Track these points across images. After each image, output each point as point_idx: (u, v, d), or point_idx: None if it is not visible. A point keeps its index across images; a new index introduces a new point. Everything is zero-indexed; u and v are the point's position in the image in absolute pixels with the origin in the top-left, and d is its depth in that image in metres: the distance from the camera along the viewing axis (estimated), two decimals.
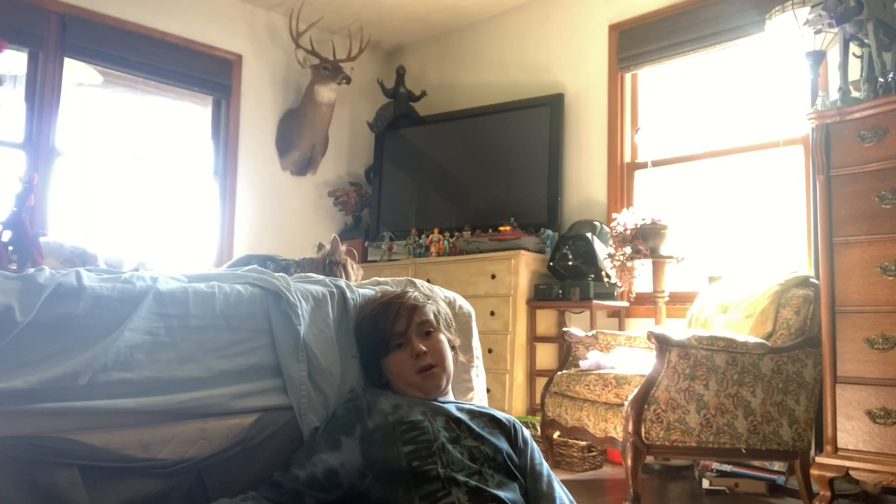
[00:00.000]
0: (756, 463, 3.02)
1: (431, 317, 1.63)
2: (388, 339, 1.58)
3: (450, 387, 1.66)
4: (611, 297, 3.86)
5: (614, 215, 3.75)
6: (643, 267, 3.64)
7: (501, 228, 4.24)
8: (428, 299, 1.68)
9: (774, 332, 2.84)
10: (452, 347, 1.67)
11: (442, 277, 4.13)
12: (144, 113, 4.47)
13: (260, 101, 4.86)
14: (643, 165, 4.05)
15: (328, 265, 2.46)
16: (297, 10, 4.79)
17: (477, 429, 1.50)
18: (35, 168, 3.96)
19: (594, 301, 3.77)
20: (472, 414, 1.55)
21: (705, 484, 3.02)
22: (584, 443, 3.33)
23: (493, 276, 4.00)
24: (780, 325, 2.85)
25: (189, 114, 4.71)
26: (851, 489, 2.79)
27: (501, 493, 1.38)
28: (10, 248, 1.82)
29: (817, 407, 2.73)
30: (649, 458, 3.09)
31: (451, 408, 1.54)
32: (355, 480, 1.41)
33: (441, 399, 1.59)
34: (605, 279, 3.71)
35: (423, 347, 1.57)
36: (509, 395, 3.86)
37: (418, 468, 1.38)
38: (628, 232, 3.55)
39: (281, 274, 1.64)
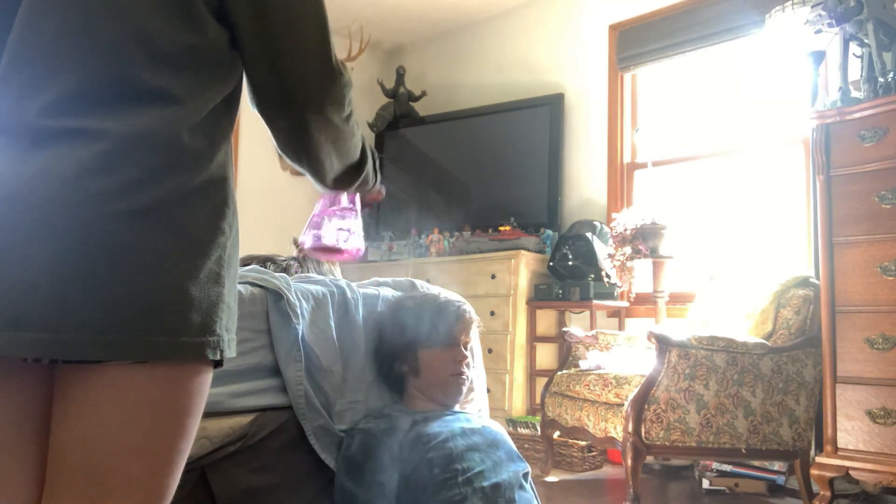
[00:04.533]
0: (756, 463, 3.02)
1: (473, 336, 1.75)
2: (442, 335, 1.63)
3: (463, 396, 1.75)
4: (611, 297, 3.86)
5: (614, 215, 3.76)
6: (643, 267, 3.64)
7: (501, 228, 4.24)
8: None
9: (774, 332, 2.84)
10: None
11: (442, 277, 4.13)
12: None
13: None
14: (643, 165, 4.05)
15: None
16: None
17: (490, 436, 1.58)
18: None
19: (594, 301, 3.77)
20: (485, 425, 1.64)
21: (705, 484, 3.02)
22: (584, 443, 3.34)
23: (493, 276, 4.01)
24: (780, 324, 2.85)
25: None
26: (851, 489, 2.79)
27: (518, 497, 1.46)
28: None
29: (817, 407, 2.73)
30: (649, 458, 3.09)
31: (463, 418, 1.62)
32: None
33: (452, 410, 1.66)
34: (605, 279, 3.71)
35: (468, 356, 1.67)
36: (509, 395, 3.86)
37: (440, 475, 1.44)
38: (628, 232, 3.55)
39: (281, 274, 1.64)
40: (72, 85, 0.79)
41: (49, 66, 0.79)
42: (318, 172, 1.02)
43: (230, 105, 0.91)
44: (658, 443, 2.60)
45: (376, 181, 1.20)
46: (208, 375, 0.86)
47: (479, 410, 1.95)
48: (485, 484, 1.44)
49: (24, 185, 0.76)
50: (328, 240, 1.25)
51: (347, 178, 1.08)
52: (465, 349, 1.68)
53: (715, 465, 3.09)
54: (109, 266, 0.76)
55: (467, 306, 1.74)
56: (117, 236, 0.76)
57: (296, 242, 2.51)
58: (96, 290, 0.75)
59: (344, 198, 1.26)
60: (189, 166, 0.82)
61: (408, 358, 1.64)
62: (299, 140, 0.95)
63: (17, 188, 0.77)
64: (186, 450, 0.85)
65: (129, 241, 0.76)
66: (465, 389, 1.67)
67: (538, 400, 3.51)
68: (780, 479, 2.99)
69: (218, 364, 0.87)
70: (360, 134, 1.05)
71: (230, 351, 0.86)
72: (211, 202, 0.84)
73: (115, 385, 0.78)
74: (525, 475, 1.59)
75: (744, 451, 2.66)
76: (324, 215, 1.25)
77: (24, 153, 0.78)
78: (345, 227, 1.25)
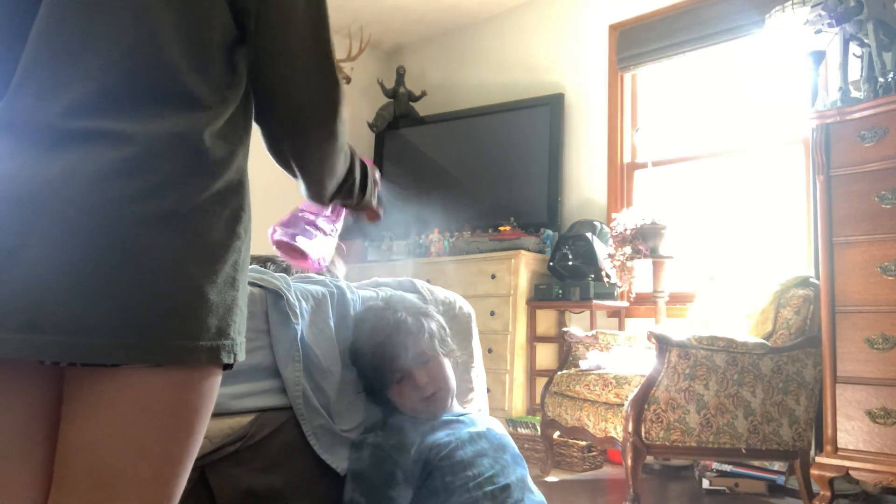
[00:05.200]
0: (756, 463, 3.02)
1: (426, 346, 1.62)
2: (389, 376, 1.61)
3: (454, 399, 1.72)
4: (611, 297, 3.86)
5: (614, 215, 3.76)
6: (643, 267, 3.64)
7: (501, 228, 4.24)
8: (420, 319, 1.66)
9: (774, 332, 2.84)
10: (450, 354, 1.70)
11: (442, 277, 4.13)
12: None
13: None
14: (643, 165, 4.05)
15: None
16: None
17: (497, 440, 1.60)
18: None
19: (594, 301, 3.77)
20: (490, 428, 1.65)
21: (705, 484, 3.02)
22: (584, 443, 3.34)
23: (493, 276, 4.00)
24: (780, 324, 2.85)
25: None
26: (851, 489, 2.79)
27: (526, 499, 1.48)
28: None
29: (817, 407, 2.73)
30: (649, 458, 3.09)
31: (470, 421, 1.63)
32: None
33: (453, 413, 1.66)
34: (605, 279, 3.71)
35: (425, 378, 1.59)
36: (509, 395, 3.86)
37: (451, 483, 1.46)
38: (628, 232, 3.55)
39: (281, 274, 1.64)
40: (95, 86, 0.78)
41: (71, 66, 0.79)
42: (307, 180, 0.98)
43: (246, 108, 0.90)
44: (658, 443, 2.60)
45: (363, 196, 1.14)
46: (219, 378, 0.87)
47: (478, 410, 1.95)
48: (494, 487, 1.47)
49: (45, 186, 0.76)
50: (299, 242, 1.22)
51: (336, 194, 1.05)
52: (426, 365, 1.60)
53: (715, 465, 3.09)
54: (129, 269, 0.75)
55: (402, 322, 1.62)
56: (137, 240, 0.76)
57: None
58: (115, 293, 0.75)
59: (328, 209, 1.23)
60: (210, 171, 0.81)
61: (382, 398, 1.65)
62: (287, 147, 0.92)
63: (37, 189, 0.76)
64: (195, 452, 0.84)
65: (149, 244, 0.76)
66: (447, 401, 1.63)
67: (538, 400, 3.51)
68: (780, 479, 2.99)
69: (228, 367, 0.87)
70: (349, 151, 1.02)
71: (242, 354, 0.86)
72: (229, 207, 0.84)
73: (129, 388, 0.78)
74: None
75: (744, 451, 2.66)
76: (305, 218, 1.22)
77: (44, 154, 0.77)
78: (319, 235, 1.23)
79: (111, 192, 0.75)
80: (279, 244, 1.25)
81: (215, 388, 0.86)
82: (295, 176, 0.98)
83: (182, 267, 0.78)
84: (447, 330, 1.74)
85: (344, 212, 1.25)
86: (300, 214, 1.24)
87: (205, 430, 0.86)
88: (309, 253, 1.23)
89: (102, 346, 0.74)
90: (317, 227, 1.23)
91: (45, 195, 0.75)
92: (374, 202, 1.19)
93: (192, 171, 0.80)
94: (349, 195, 1.09)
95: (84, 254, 0.74)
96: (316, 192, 1.01)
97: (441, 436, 1.54)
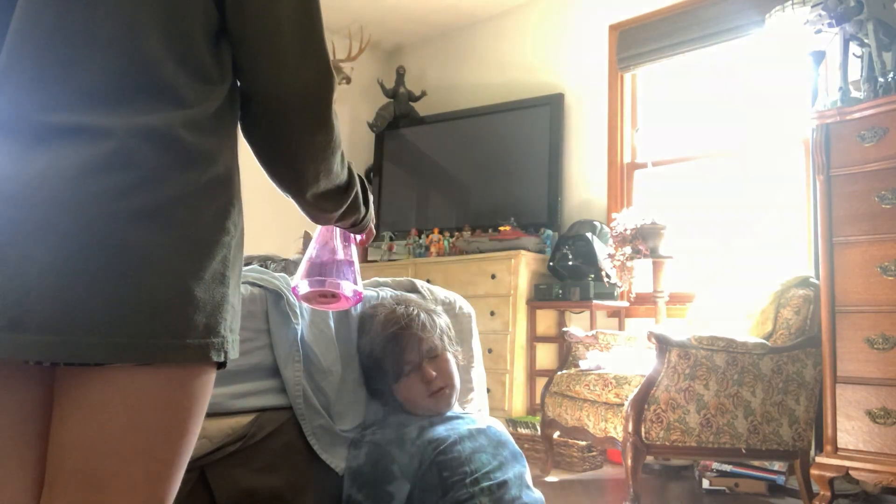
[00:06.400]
0: (756, 463, 3.02)
1: (437, 341, 1.67)
2: (399, 368, 1.61)
3: (456, 399, 1.72)
4: (611, 297, 3.86)
5: (614, 215, 3.76)
6: (643, 267, 3.64)
7: (501, 228, 4.23)
8: (431, 315, 1.70)
9: (774, 332, 2.84)
10: (455, 354, 1.73)
11: (442, 277, 4.13)
12: None
13: None
14: (643, 165, 4.05)
15: None
16: None
17: (496, 437, 1.60)
18: None
19: (594, 301, 3.77)
20: (490, 426, 1.65)
21: (705, 484, 3.02)
22: (584, 443, 3.34)
23: (493, 276, 4.00)
24: (780, 324, 2.85)
25: None
26: (851, 489, 2.79)
27: (524, 495, 1.47)
28: None
29: (817, 407, 2.73)
30: (649, 458, 3.09)
31: (470, 419, 1.63)
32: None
33: (454, 412, 1.66)
34: (605, 279, 3.71)
35: (434, 373, 1.62)
36: (509, 395, 3.86)
37: (449, 478, 1.47)
38: (628, 232, 3.55)
39: (281, 274, 1.64)
40: (74, 80, 0.77)
41: (50, 60, 0.77)
42: (300, 180, 0.94)
43: (233, 100, 0.88)
44: (658, 443, 2.60)
45: (367, 214, 1.09)
46: (211, 377, 0.85)
47: (478, 410, 1.95)
48: (491, 482, 1.47)
49: (27, 184, 0.75)
50: (330, 286, 1.16)
51: (332, 200, 1.00)
52: (431, 363, 1.62)
53: (715, 465, 3.09)
54: (114, 267, 0.74)
55: (415, 318, 1.64)
56: (122, 236, 0.75)
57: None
58: (100, 291, 0.74)
59: (338, 239, 1.17)
60: (195, 165, 0.80)
61: (386, 395, 1.66)
62: (276, 143, 0.89)
63: (19, 187, 0.75)
64: (188, 452, 0.83)
65: (134, 241, 0.75)
66: (452, 399, 1.65)
67: (538, 400, 3.51)
68: (780, 479, 2.99)
69: (221, 365, 0.86)
70: (347, 160, 0.98)
71: (234, 352, 0.85)
72: (216, 201, 0.82)
73: (117, 387, 0.77)
74: None
75: (744, 451, 2.66)
76: (326, 260, 1.16)
77: (27, 151, 0.76)
78: (347, 273, 1.18)
79: (93, 188, 0.74)
80: (310, 297, 1.18)
81: (208, 387, 0.84)
82: (286, 185, 0.93)
83: (167, 263, 0.77)
84: (452, 331, 1.76)
85: (352, 238, 1.20)
86: (326, 260, 1.17)
87: (198, 430, 0.85)
88: (348, 296, 1.18)
89: (88, 345, 0.73)
90: (348, 264, 1.17)
91: (29, 193, 0.75)
92: (373, 220, 1.15)
93: (175, 165, 0.78)
94: (355, 209, 1.04)
95: (68, 251, 0.73)
96: (310, 196, 0.96)
97: (440, 430, 1.54)
